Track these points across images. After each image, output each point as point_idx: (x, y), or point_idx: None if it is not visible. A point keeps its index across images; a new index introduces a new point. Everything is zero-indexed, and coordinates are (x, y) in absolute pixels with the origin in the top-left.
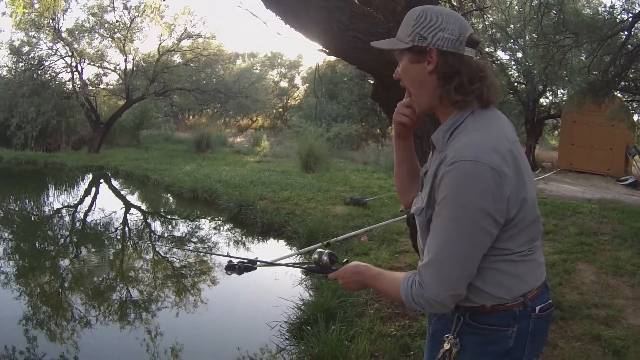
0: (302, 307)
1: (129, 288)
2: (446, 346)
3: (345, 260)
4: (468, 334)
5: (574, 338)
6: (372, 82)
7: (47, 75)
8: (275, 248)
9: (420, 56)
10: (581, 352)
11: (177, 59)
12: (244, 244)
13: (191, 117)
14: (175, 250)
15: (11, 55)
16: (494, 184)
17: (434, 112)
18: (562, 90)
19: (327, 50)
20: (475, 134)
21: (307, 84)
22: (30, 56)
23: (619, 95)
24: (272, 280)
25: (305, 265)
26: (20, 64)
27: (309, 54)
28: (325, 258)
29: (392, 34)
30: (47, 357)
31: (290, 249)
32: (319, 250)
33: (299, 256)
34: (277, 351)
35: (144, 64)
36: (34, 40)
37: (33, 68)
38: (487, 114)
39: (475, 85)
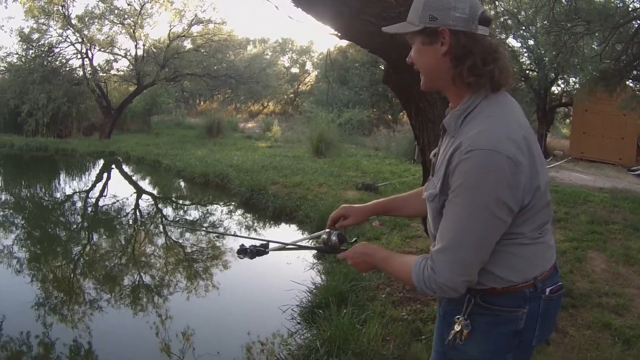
0: (313, 291)
1: (141, 273)
2: (457, 327)
3: (354, 239)
4: (479, 315)
5: (584, 326)
6: (383, 67)
7: (57, 62)
8: (287, 233)
9: (433, 38)
10: (591, 340)
11: (187, 44)
12: (255, 229)
13: (202, 102)
14: (187, 235)
15: (21, 43)
16: (509, 173)
17: (446, 94)
18: (573, 79)
19: (339, 35)
20: (489, 120)
21: (318, 70)
22: (40, 43)
23: (630, 84)
24: (284, 265)
25: (316, 247)
26: (31, 51)
27: (320, 39)
28: (334, 238)
29: (404, 17)
30: (60, 342)
31: (302, 233)
32: (327, 230)
33: (310, 241)
34: (289, 335)
35: (154, 50)
36: (44, 27)
37: (43, 55)
38: (500, 99)
39: (489, 67)
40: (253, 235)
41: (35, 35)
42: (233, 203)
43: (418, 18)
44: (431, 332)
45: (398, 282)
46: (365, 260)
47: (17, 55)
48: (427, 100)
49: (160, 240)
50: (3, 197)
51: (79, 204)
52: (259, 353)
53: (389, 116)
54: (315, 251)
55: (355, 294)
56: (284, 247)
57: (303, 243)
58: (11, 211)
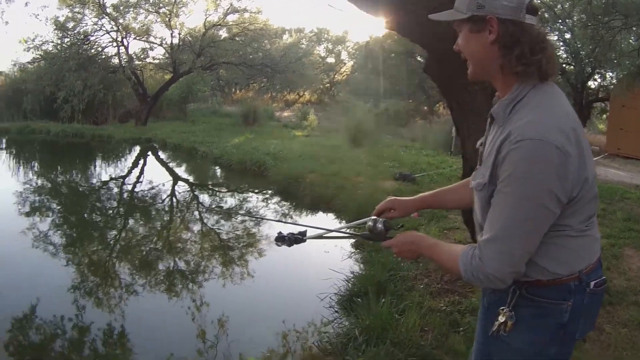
0: (352, 280)
1: (176, 258)
2: (501, 319)
3: (400, 225)
4: (524, 307)
5: (620, 324)
6: (419, 58)
7: (93, 50)
8: (324, 222)
9: (480, 26)
10: (627, 339)
11: (223, 33)
12: (291, 217)
13: (238, 91)
14: (223, 222)
15: (57, 31)
16: (558, 163)
17: (494, 83)
18: (610, 73)
19: (384, 24)
20: (538, 110)
21: (354, 60)
22: (75, 31)
23: None
24: (322, 253)
25: (359, 233)
26: (66, 39)
27: (355, 29)
28: (379, 226)
29: (450, 5)
30: (95, 326)
31: (339, 222)
32: (373, 217)
33: (348, 230)
34: (326, 323)
35: (190, 39)
36: (79, 15)
37: (79, 43)
38: (548, 89)
39: (537, 56)
40: (291, 223)
41: (71, 24)
42: (270, 191)
43: (466, 6)
44: (469, 324)
45: (443, 271)
46: (411, 249)
47: (52, 44)
48: (467, 91)
49: (196, 227)
50: (40, 183)
51: (115, 190)
52: (294, 341)
53: (425, 107)
54: (354, 240)
55: (394, 283)
56: (321, 235)
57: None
58: (48, 196)
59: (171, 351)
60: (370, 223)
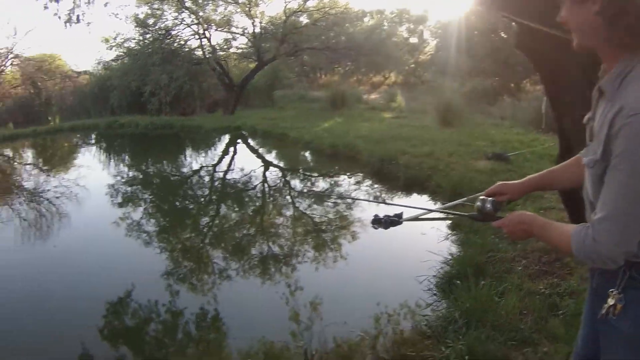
0: (450, 262)
1: (269, 243)
2: (610, 301)
3: (508, 201)
4: (634, 289)
5: None
6: (503, 34)
7: (175, 44)
8: (418, 203)
9: None
10: None
11: (304, 19)
12: (384, 199)
13: (323, 75)
14: (316, 205)
15: (137, 28)
16: None
17: (600, 54)
18: None
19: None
20: None
21: (436, 39)
22: (156, 27)
23: None
24: (418, 235)
25: (467, 214)
26: (148, 35)
27: (435, 7)
28: (488, 206)
29: None
30: (188, 311)
31: (434, 204)
32: (481, 197)
33: (453, 210)
34: (425, 306)
35: (271, 27)
36: (158, 12)
37: (161, 38)
38: None
39: None
40: (385, 205)
41: (151, 20)
42: (361, 174)
43: None
44: (568, 307)
45: (554, 249)
46: (523, 229)
47: (134, 40)
48: (561, 66)
49: (289, 211)
50: (132, 174)
51: (207, 178)
52: (390, 324)
53: (512, 84)
54: (449, 222)
55: (492, 265)
56: (417, 217)
57: (437, 214)
58: (140, 186)
59: (264, 334)
60: (478, 203)
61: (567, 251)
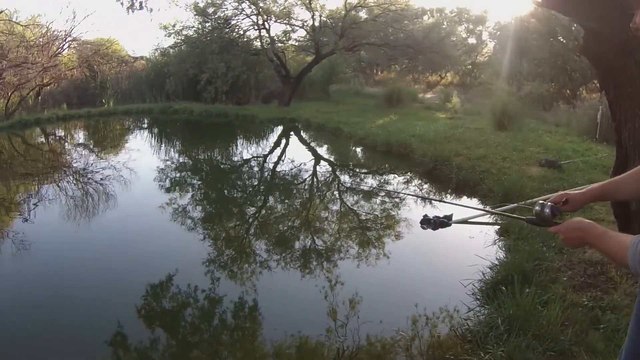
0: (496, 267)
1: (313, 236)
2: None
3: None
4: None
5: None
6: (562, 39)
7: (234, 33)
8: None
9: None
10: None
11: (363, 14)
12: (430, 203)
13: (380, 72)
14: (362, 202)
15: (197, 17)
16: None
17: None
18: None
19: (539, 2)
20: None
21: (495, 41)
22: (216, 16)
23: None
24: (466, 238)
25: (524, 217)
26: (207, 24)
27: (494, 8)
28: (547, 211)
29: None
30: (227, 298)
31: (484, 207)
32: (541, 202)
33: (492, 216)
34: (467, 310)
35: (330, 21)
36: (218, 1)
37: (220, 27)
38: None
39: None
40: (434, 206)
41: (211, 9)
42: (410, 174)
43: None
44: (609, 322)
45: (610, 260)
46: (579, 236)
47: (193, 29)
48: (627, 75)
49: (335, 206)
50: (182, 160)
51: (256, 168)
52: (428, 327)
53: (568, 91)
54: (498, 227)
55: (538, 273)
56: (466, 220)
57: (485, 218)
58: (189, 173)
59: (300, 328)
60: (537, 207)
61: (623, 262)
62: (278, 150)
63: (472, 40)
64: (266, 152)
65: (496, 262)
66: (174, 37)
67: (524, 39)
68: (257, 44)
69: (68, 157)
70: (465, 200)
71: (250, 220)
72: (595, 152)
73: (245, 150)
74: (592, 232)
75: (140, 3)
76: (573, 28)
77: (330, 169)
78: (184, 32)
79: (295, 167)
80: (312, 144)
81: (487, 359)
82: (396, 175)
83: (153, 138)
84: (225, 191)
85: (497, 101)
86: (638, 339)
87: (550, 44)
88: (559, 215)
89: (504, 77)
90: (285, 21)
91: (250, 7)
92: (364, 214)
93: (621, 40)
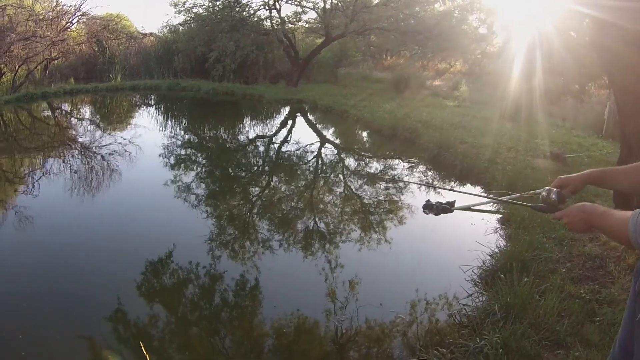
0: (496, 255)
1: (315, 218)
2: None
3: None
4: None
5: None
6: (572, 34)
7: (245, 13)
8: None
9: None
10: None
11: None
12: (434, 190)
13: (389, 57)
14: (366, 186)
15: None
16: None
17: None
18: None
19: None
20: None
21: (505, 31)
22: None
23: None
24: (467, 225)
25: (530, 204)
26: (218, 2)
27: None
28: (554, 196)
29: None
30: (228, 275)
31: (487, 195)
32: (547, 188)
33: (494, 204)
34: (465, 296)
35: (342, 4)
36: None
37: (231, 5)
38: None
39: None
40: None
41: None
42: (415, 160)
43: None
44: (605, 315)
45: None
46: (584, 219)
47: (204, 7)
48: (634, 73)
49: (339, 189)
50: (188, 137)
51: (262, 148)
52: (426, 311)
53: (577, 86)
54: (500, 215)
55: (537, 263)
56: (469, 207)
57: (488, 206)
58: (194, 150)
59: (299, 307)
60: (544, 193)
61: (625, 237)
62: (284, 131)
63: (483, 31)
64: (272, 132)
65: (496, 250)
66: (184, 15)
67: (535, 32)
68: (267, 24)
69: (73, 131)
70: (468, 187)
71: (254, 199)
72: (601, 148)
73: (251, 130)
74: (595, 212)
75: None
76: (584, 23)
77: (335, 151)
78: (194, 10)
79: (300, 148)
80: (319, 126)
81: (483, 344)
82: (401, 161)
83: (160, 115)
84: (230, 170)
85: (505, 92)
86: (632, 328)
87: (561, 37)
88: (564, 202)
89: (512, 69)
90: (296, 2)
91: None
92: (367, 197)
93: (631, 36)
